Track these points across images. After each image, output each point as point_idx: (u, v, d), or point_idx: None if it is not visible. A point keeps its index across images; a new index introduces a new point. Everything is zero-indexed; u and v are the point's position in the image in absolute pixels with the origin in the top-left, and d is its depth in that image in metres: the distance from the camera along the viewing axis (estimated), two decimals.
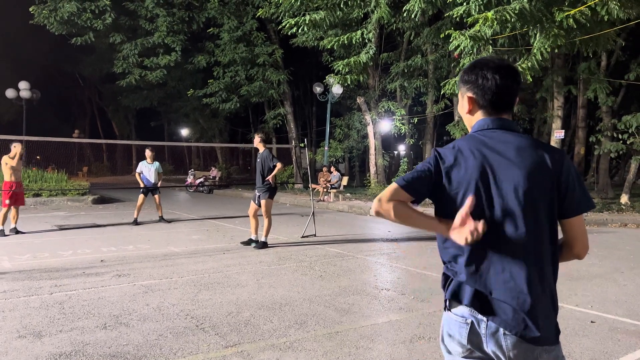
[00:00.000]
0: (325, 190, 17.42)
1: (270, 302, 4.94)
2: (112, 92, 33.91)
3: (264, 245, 8.11)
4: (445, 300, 1.71)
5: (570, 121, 22.01)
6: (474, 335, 1.62)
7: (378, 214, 1.63)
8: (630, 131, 14.11)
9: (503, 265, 1.60)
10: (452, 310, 1.68)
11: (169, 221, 11.38)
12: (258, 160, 8.35)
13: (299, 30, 15.23)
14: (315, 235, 9.45)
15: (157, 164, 11.38)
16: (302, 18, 14.61)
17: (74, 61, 32.54)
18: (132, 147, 40.53)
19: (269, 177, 8.12)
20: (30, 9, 20.79)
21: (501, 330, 1.58)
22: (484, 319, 1.60)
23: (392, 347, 3.79)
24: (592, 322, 4.45)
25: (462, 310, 1.64)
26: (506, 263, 1.60)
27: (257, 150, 8.54)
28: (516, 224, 1.59)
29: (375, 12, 14.59)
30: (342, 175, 18.97)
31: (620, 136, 14.71)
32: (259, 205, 8.29)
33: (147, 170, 11.20)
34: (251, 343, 3.84)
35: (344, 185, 18.51)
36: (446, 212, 1.65)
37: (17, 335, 3.95)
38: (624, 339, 4.05)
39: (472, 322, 1.62)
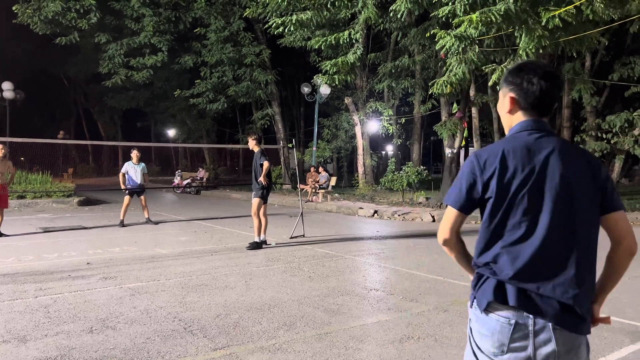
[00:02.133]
0: (313, 190, 17.41)
1: (259, 304, 4.92)
2: (98, 92, 33.52)
3: (257, 245, 8.11)
4: (483, 302, 1.69)
5: (555, 121, 22.23)
6: (519, 335, 1.64)
7: (445, 244, 1.85)
8: (614, 131, 14.31)
9: (551, 261, 1.64)
10: (494, 312, 1.67)
11: (156, 223, 11.28)
12: (254, 161, 8.43)
13: (286, 30, 15.21)
14: (303, 235, 9.44)
15: (143, 164, 11.27)
16: (289, 18, 14.59)
17: (58, 61, 32.13)
18: (118, 148, 40.16)
19: (261, 178, 8.13)
20: (14, 8, 20.48)
21: (550, 325, 1.61)
22: (530, 316, 1.63)
23: (382, 348, 3.80)
24: None
25: (506, 312, 1.65)
26: (554, 260, 1.64)
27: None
28: (564, 220, 1.65)
29: (363, 12, 14.63)
30: (331, 175, 18.97)
31: (604, 136, 14.91)
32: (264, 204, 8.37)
33: (134, 171, 11.10)
34: (240, 345, 3.82)
35: (332, 186, 18.50)
36: (494, 214, 1.69)
37: (1, 340, 3.88)
38: (610, 337, 4.09)
39: (516, 322, 1.63)
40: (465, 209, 1.76)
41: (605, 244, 1.82)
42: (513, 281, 1.64)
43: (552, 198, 1.65)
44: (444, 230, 1.82)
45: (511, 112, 1.81)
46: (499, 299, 1.66)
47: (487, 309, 1.69)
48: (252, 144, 8.42)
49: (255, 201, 8.21)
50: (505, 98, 1.82)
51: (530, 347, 1.63)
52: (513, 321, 1.64)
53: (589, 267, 1.67)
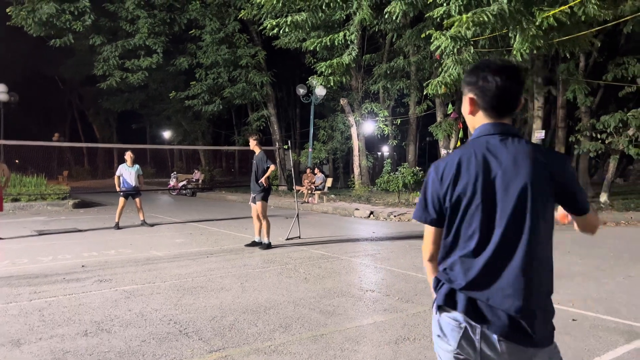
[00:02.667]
0: (309, 192, 17.40)
1: (254, 306, 4.91)
2: (93, 94, 33.44)
3: (268, 246, 8.22)
4: (437, 305, 1.72)
5: (550, 121, 22.33)
6: (466, 340, 1.64)
7: (430, 261, 1.84)
8: (608, 131, 14.36)
9: (502, 273, 1.62)
10: (444, 313, 1.69)
11: (152, 225, 11.25)
12: (253, 162, 8.44)
13: (281, 32, 15.20)
14: (299, 237, 9.43)
15: (137, 166, 11.22)
16: (284, 19, 14.58)
17: (53, 63, 32.00)
18: (113, 150, 39.96)
19: (262, 179, 8.15)
20: (8, 10, 20.38)
21: (495, 336, 1.59)
22: (478, 325, 1.61)
23: (377, 349, 3.79)
24: (573, 320, 4.51)
25: (456, 314, 1.66)
26: (505, 271, 1.61)
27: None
28: (516, 231, 1.61)
29: (358, 13, 14.65)
30: (326, 176, 18.98)
31: (598, 136, 14.96)
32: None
33: (128, 173, 11.04)
34: (235, 347, 3.81)
35: (328, 187, 18.51)
36: (451, 224, 1.69)
37: None
38: (605, 336, 4.10)
39: (465, 327, 1.63)
40: (434, 222, 1.74)
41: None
42: (464, 291, 1.64)
43: (506, 208, 1.62)
44: (426, 247, 1.81)
45: (472, 113, 1.77)
46: (449, 305, 1.67)
47: (440, 312, 1.71)
48: (253, 144, 8.46)
49: (260, 204, 8.25)
50: (465, 100, 1.79)
51: (478, 354, 1.63)
52: (463, 325, 1.64)
53: (543, 278, 1.64)
